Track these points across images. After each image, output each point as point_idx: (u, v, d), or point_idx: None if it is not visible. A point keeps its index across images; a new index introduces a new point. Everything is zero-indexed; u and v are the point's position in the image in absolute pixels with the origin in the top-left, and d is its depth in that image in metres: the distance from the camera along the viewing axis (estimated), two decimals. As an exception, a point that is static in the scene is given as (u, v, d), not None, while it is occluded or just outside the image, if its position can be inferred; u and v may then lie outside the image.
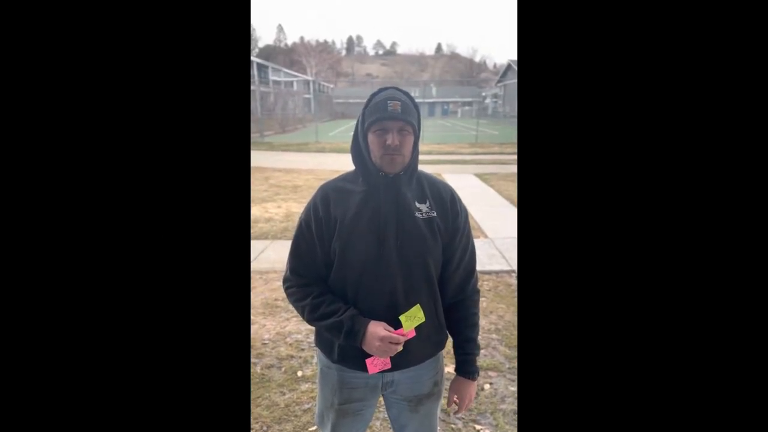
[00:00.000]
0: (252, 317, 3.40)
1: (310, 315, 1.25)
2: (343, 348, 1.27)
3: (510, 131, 25.54)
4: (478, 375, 1.37)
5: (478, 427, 2.29)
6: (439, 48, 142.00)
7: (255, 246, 5.10)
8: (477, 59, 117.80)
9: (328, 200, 1.26)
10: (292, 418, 2.34)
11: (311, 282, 1.29)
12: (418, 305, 1.21)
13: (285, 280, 1.33)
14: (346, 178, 1.31)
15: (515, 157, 13.65)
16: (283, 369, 2.77)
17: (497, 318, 3.48)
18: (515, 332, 3.26)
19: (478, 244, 5.18)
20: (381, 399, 1.43)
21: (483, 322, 3.40)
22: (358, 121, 1.26)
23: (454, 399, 1.40)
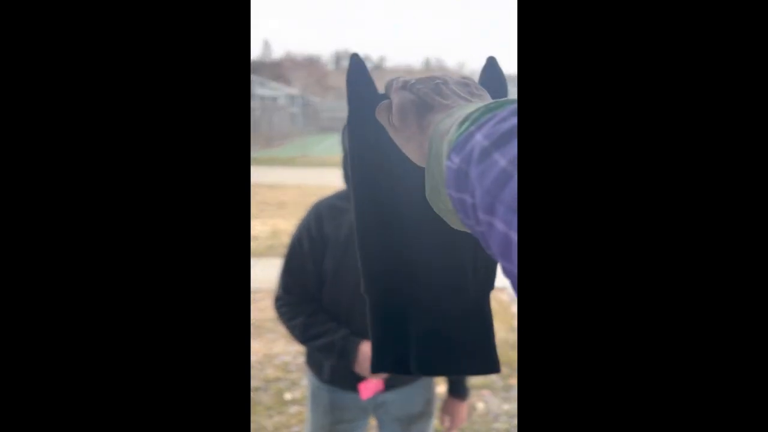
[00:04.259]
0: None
1: (302, 335, 1.25)
2: (333, 368, 1.26)
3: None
4: (468, 395, 1.37)
5: (471, 446, 2.27)
6: (426, 62, 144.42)
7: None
8: (464, 73, 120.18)
9: (322, 219, 1.26)
10: (281, 440, 2.29)
11: (303, 301, 1.28)
12: (410, 325, 1.21)
13: (277, 299, 1.32)
14: (339, 195, 1.31)
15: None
16: (270, 391, 2.72)
17: (487, 333, 3.47)
18: (508, 350, 3.25)
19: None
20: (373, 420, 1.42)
21: (473, 337, 3.39)
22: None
23: (446, 418, 1.42)
